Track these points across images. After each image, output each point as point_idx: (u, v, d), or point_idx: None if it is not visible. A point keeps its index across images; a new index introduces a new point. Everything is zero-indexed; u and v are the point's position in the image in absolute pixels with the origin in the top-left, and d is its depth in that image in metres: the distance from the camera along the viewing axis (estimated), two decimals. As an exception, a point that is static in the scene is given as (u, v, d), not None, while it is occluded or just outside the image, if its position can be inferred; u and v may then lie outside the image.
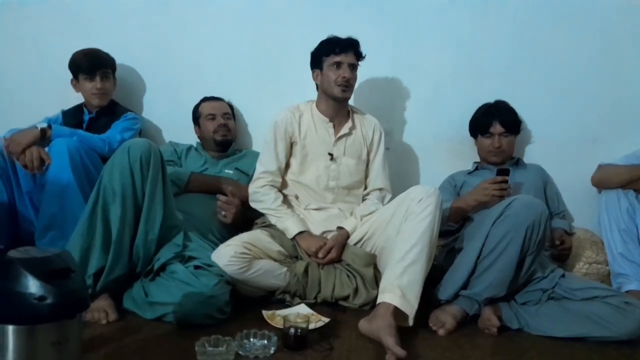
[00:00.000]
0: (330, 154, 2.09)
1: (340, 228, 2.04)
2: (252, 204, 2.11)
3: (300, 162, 2.10)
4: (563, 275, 1.85)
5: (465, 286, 1.79)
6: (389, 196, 2.15)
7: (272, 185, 2.10)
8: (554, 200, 2.31)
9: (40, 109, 2.41)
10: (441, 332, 1.72)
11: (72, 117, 2.38)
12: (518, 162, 2.34)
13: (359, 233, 2.03)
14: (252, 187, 2.11)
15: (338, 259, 1.98)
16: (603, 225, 2.16)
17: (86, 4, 2.59)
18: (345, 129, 2.12)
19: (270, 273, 1.86)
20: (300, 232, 1.99)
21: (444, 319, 1.75)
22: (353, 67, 2.05)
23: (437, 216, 1.76)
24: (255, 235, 1.97)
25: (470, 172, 2.34)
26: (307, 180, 2.10)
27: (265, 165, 2.10)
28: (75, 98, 2.44)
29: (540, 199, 2.09)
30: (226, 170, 2.30)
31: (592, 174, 2.24)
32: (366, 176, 2.18)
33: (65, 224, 1.91)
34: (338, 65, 2.02)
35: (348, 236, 2.02)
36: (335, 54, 2.02)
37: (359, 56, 2.07)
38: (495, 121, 2.24)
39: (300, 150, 2.10)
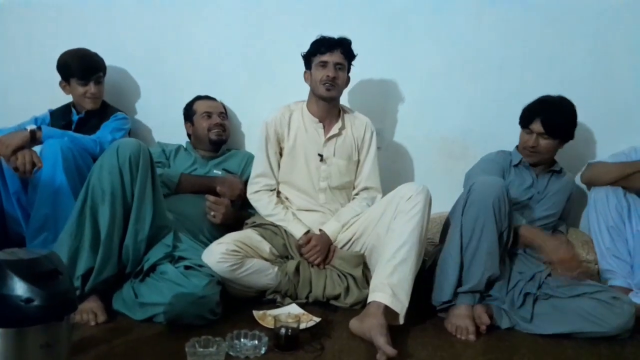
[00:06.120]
0: (320, 155, 2.09)
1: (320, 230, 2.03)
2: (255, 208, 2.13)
3: (290, 162, 2.10)
4: (550, 275, 1.87)
5: (459, 281, 1.80)
6: (379, 196, 2.13)
7: (267, 190, 2.10)
8: (568, 212, 2.23)
9: (31, 109, 2.38)
10: (472, 337, 1.70)
11: (60, 117, 2.35)
12: (555, 170, 2.13)
13: (347, 234, 2.03)
14: (248, 193, 2.12)
15: (328, 259, 1.98)
16: (592, 222, 2.18)
17: (78, 3, 2.57)
18: (334, 130, 2.11)
19: (261, 272, 1.86)
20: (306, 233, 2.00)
21: (464, 324, 1.73)
22: (340, 67, 2.02)
23: (427, 214, 1.77)
24: (246, 234, 1.96)
25: (514, 165, 2.14)
26: (298, 181, 2.10)
27: (258, 168, 2.10)
28: (64, 97, 2.41)
29: (559, 210, 2.13)
30: (215, 171, 2.29)
31: (581, 173, 2.26)
32: (356, 176, 2.17)
33: (58, 225, 1.89)
34: (324, 64, 2.01)
35: (330, 241, 2.01)
36: (322, 53, 2.01)
37: (349, 55, 2.05)
38: (538, 119, 2.00)
39: (289, 152, 2.09)
